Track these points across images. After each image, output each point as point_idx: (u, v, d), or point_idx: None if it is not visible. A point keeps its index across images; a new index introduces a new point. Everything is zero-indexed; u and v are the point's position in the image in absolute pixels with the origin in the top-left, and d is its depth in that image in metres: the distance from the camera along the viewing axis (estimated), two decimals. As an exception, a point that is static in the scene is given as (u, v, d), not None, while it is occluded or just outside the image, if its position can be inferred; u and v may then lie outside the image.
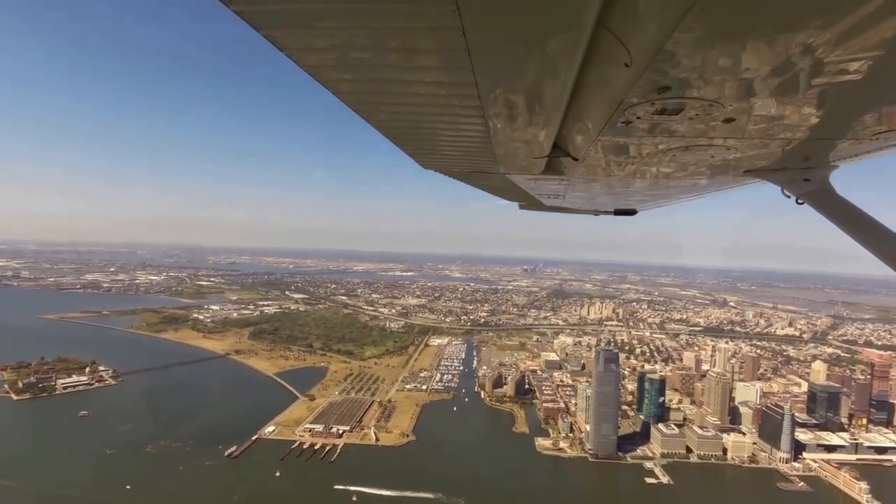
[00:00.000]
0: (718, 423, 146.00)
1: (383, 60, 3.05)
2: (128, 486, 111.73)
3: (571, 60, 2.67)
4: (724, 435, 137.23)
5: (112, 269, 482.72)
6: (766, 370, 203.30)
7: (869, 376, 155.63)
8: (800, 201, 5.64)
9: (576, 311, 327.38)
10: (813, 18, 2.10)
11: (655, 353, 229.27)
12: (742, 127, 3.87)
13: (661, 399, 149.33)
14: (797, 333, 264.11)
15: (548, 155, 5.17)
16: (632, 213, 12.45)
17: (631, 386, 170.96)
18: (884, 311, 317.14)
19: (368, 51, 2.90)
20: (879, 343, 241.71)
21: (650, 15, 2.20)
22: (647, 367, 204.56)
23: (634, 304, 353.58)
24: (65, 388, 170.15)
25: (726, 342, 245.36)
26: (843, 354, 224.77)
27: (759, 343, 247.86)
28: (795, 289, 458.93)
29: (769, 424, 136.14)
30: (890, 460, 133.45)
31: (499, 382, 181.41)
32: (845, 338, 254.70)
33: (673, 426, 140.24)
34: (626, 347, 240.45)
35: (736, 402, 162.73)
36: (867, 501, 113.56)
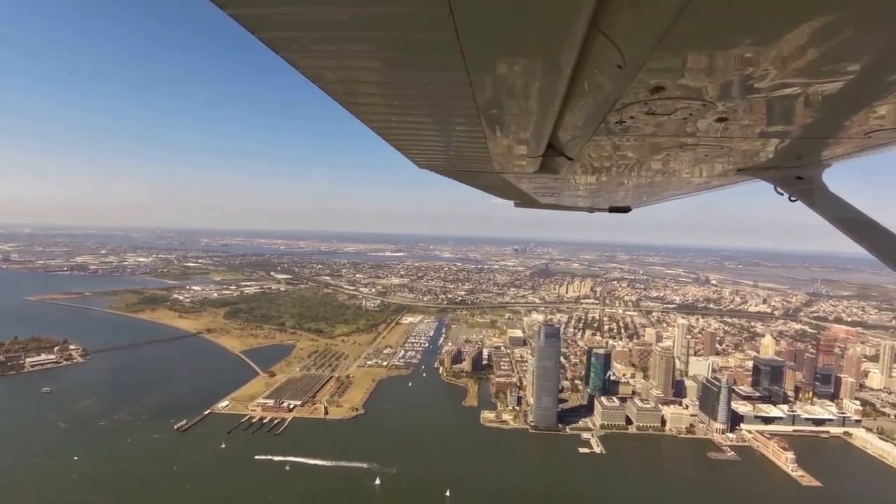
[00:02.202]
0: (662, 395, 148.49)
1: (377, 62, 3.01)
2: (75, 458, 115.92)
3: (565, 63, 2.66)
4: (664, 407, 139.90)
5: (103, 252, 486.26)
6: (728, 346, 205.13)
7: (814, 351, 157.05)
8: (793, 199, 5.70)
9: (555, 289, 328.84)
10: (803, 19, 2.09)
11: (622, 330, 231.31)
12: (734, 126, 3.93)
13: (606, 373, 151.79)
14: (769, 310, 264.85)
15: (542, 154, 5.20)
16: (626, 210, 12.55)
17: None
18: (863, 289, 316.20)
19: (362, 52, 2.86)
20: (849, 319, 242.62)
21: (643, 18, 2.20)
22: (611, 342, 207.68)
23: (615, 282, 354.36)
24: (33, 366, 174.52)
25: (697, 319, 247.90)
26: (809, 330, 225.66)
27: (729, 320, 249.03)
28: (782, 267, 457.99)
29: (708, 397, 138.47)
30: (826, 432, 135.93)
31: (458, 358, 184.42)
32: (816, 314, 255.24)
33: (615, 399, 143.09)
34: (595, 324, 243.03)
35: (689, 376, 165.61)
36: (792, 471, 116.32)
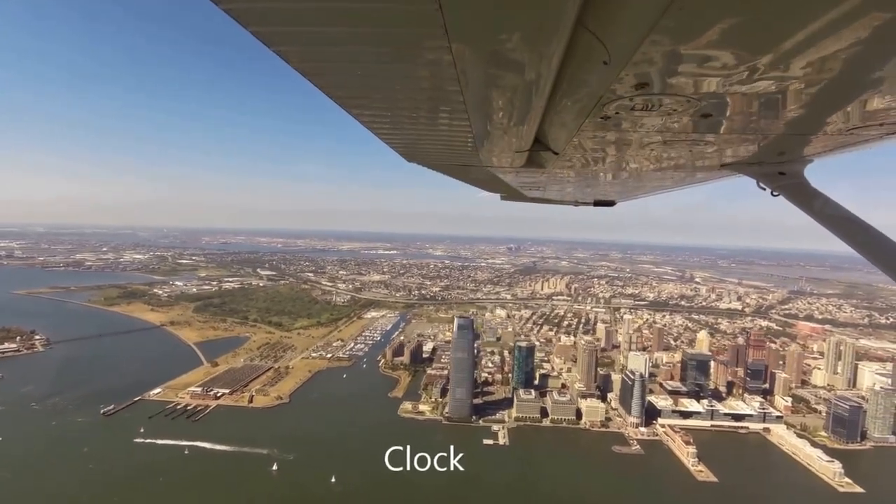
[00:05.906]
0: (585, 389, 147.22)
1: (367, 57, 3.08)
2: (0, 438, 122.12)
3: (551, 59, 2.70)
4: (581, 400, 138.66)
5: (104, 250, 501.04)
6: (682, 342, 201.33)
7: (746, 346, 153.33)
8: (775, 194, 5.81)
9: (530, 286, 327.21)
10: (787, 17, 2.11)
11: (580, 326, 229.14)
12: (718, 122, 4.00)
13: (529, 367, 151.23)
14: (740, 308, 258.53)
15: (528, 149, 5.29)
16: (610, 204, 12.64)
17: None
18: (851, 287, 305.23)
19: (352, 47, 2.93)
20: (820, 317, 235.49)
21: (628, 15, 2.21)
22: (563, 338, 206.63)
23: (594, 279, 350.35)
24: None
25: (663, 315, 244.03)
26: (776, 327, 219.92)
27: (696, 317, 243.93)
28: (776, 265, 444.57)
29: (626, 391, 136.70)
30: (746, 427, 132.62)
31: (399, 351, 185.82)
32: (788, 312, 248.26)
33: (532, 391, 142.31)
34: (556, 320, 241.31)
35: (627, 371, 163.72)
36: (692, 465, 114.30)
